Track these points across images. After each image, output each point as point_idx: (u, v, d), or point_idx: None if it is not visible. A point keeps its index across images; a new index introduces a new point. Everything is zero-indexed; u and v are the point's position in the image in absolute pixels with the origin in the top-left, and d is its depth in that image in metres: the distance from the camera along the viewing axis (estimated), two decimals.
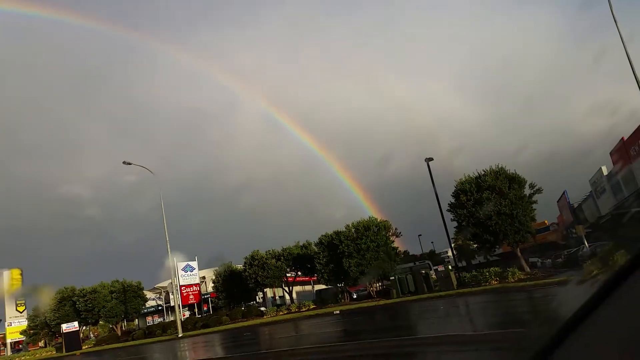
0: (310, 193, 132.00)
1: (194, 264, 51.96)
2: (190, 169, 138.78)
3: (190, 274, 50.84)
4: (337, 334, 19.58)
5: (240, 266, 47.50)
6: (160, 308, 66.60)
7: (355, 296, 41.23)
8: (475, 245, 41.40)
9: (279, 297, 62.29)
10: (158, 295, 67.50)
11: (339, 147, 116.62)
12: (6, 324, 65.59)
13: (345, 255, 35.70)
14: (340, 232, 37.59)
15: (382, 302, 32.08)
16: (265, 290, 54.19)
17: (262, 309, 45.05)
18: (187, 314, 54.94)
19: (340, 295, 39.88)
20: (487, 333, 11.39)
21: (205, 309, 56.66)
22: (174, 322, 41.05)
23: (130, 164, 40.82)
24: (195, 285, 51.55)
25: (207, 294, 58.60)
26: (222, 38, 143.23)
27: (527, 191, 31.17)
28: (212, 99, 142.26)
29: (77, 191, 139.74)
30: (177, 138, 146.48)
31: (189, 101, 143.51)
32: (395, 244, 38.22)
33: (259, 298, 57.08)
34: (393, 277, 33.75)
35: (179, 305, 41.61)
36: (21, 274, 67.19)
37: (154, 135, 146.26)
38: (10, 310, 65.36)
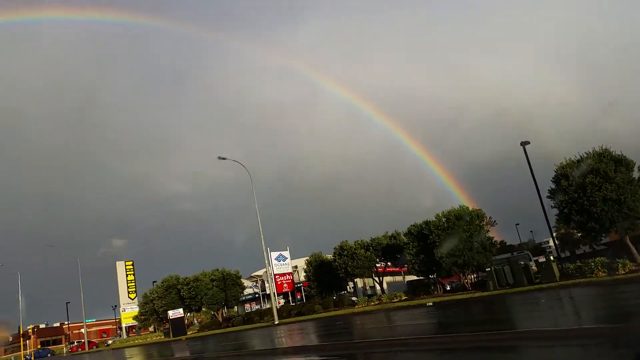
0: (397, 183, 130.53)
1: (286, 253, 53.63)
2: (278, 162, 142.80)
3: (283, 264, 52.53)
4: (431, 325, 19.34)
5: (330, 256, 48.33)
6: (257, 296, 69.58)
7: (448, 288, 40.35)
8: (579, 234, 38.77)
9: (370, 287, 62.53)
10: (255, 283, 70.50)
11: (426, 135, 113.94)
12: (121, 309, 72.31)
13: (436, 246, 35.01)
14: (430, 221, 36.88)
15: (477, 294, 31.11)
16: (355, 280, 54.72)
17: (354, 298, 45.51)
18: (282, 301, 56.93)
19: (432, 287, 39.22)
20: (593, 327, 10.71)
21: (298, 297, 58.35)
22: (270, 309, 42.77)
23: (224, 158, 42.83)
24: (288, 274, 53.22)
25: (299, 282, 60.28)
26: (302, 33, 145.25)
27: (635, 174, 28.60)
28: (296, 93, 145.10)
29: (176, 187, 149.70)
30: (265, 134, 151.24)
31: (274, 97, 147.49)
32: (490, 234, 36.85)
33: (350, 288, 57.69)
34: (489, 269, 32.55)
35: (274, 293, 43.17)
36: (132, 265, 73.74)
37: (244, 132, 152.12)
38: (123, 297, 71.87)
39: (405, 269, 47.02)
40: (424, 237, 36.60)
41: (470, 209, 36.65)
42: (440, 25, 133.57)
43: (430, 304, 30.19)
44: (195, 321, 66.52)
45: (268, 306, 54.40)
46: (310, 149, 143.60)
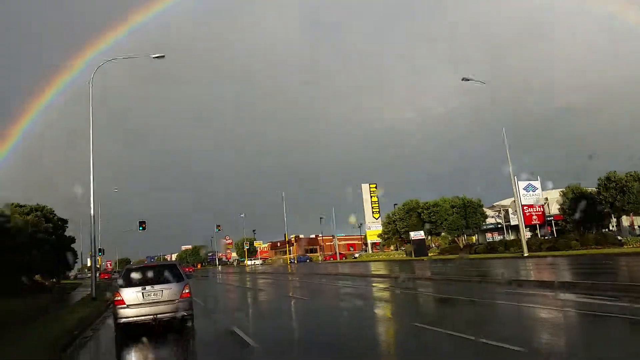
0: None
1: (537, 183, 49.00)
2: (528, 82, 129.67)
3: (532, 194, 48.28)
4: None
5: (591, 189, 42.28)
6: (499, 226, 66.55)
7: None
8: None
9: (639, 226, 53.41)
10: (497, 213, 67.35)
11: None
12: (366, 227, 78.16)
13: None
14: None
15: None
16: (621, 217, 47.18)
17: (620, 237, 39.28)
18: (529, 234, 53.05)
19: None
20: None
21: (549, 231, 53.45)
22: (516, 240, 40.17)
23: (468, 79, 40.22)
24: (538, 206, 48.84)
25: (550, 216, 54.99)
26: None
27: None
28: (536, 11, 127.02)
29: (405, 118, 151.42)
30: (499, 58, 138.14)
31: (514, 15, 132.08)
32: None
33: (612, 226, 50.16)
34: None
35: (522, 224, 40.16)
36: (376, 187, 78.21)
37: (474, 55, 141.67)
38: (368, 216, 77.19)
39: None
40: None
41: None
42: None
43: None
44: (433, 245, 67.54)
45: (512, 237, 51.41)
46: (566, 68, 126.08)
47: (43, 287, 41.31)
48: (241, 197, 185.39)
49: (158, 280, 11.12)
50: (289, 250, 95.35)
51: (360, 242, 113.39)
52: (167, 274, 11.38)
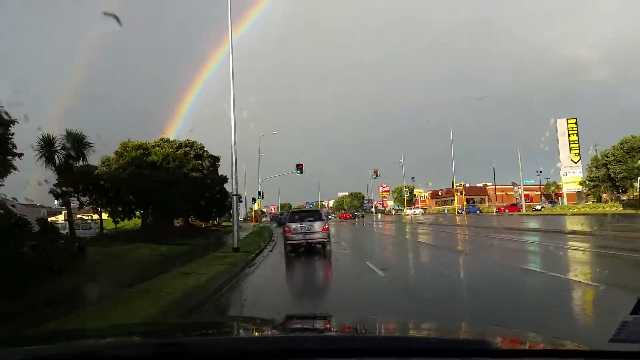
0: None
1: None
2: None
3: None
4: None
5: None
6: None
7: None
8: None
9: None
10: None
11: None
12: (561, 173, 63.29)
13: None
14: None
15: None
16: None
17: None
18: None
19: None
20: None
21: None
22: None
23: None
24: None
25: None
26: None
27: None
28: None
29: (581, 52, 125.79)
30: None
31: None
32: None
33: None
34: None
35: None
36: (576, 123, 62.47)
37: None
38: (564, 159, 62.16)
39: None
40: None
41: None
42: None
43: None
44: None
45: None
46: None
47: (196, 230, 38.16)
48: (400, 144, 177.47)
49: (310, 219, 18.41)
50: (456, 200, 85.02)
51: (538, 193, 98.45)
52: (315, 215, 18.89)
